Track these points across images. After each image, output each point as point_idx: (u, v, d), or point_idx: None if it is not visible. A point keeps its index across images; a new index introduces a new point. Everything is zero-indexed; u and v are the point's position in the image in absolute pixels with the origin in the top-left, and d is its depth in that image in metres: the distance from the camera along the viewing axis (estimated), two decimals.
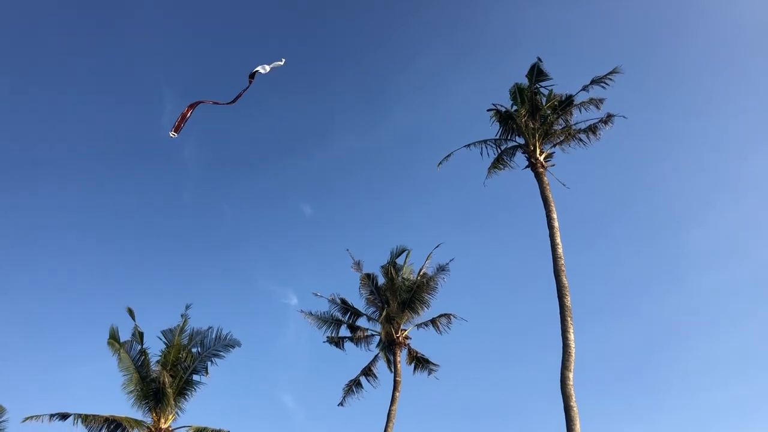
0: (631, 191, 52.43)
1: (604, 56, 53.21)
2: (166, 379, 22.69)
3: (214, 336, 24.19)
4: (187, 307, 24.56)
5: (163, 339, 24.13)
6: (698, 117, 52.68)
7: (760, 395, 39.02)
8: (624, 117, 23.83)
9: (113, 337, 23.15)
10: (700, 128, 52.11)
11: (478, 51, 59.87)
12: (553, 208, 22.27)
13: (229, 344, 24.30)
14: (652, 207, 52.45)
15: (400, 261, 28.32)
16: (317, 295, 28.21)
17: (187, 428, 23.24)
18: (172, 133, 10.26)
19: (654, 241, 50.39)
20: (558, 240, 21.61)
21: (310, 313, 27.81)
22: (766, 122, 48.55)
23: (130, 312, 23.54)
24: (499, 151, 24.46)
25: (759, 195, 47.68)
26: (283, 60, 12.36)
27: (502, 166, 24.32)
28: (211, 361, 24.10)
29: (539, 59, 23.43)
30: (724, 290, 46.07)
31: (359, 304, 28.21)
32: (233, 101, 11.07)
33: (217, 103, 11.21)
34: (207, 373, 23.96)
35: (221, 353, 24.21)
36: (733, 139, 50.68)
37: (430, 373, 27.14)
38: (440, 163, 24.47)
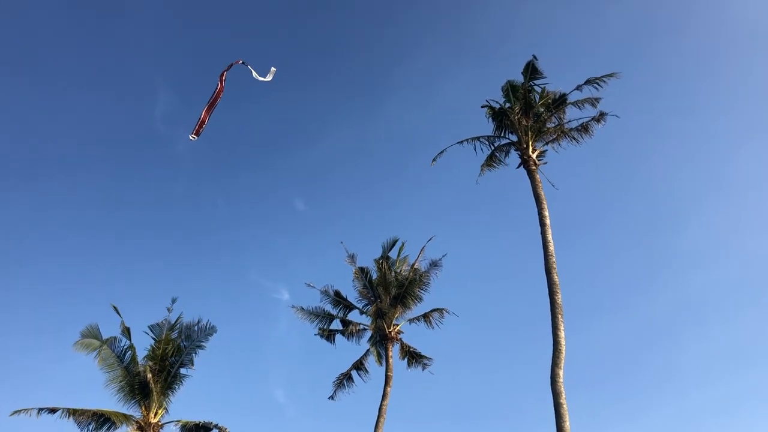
0: (622, 189, 52.61)
1: (596, 54, 53.25)
2: (150, 374, 22.64)
3: (197, 329, 24.18)
4: (173, 301, 24.48)
5: (151, 334, 24.05)
6: (689, 115, 52.89)
7: (751, 393, 39.33)
8: (617, 116, 23.83)
9: (91, 335, 22.90)
10: (690, 126, 52.33)
11: (472, 48, 59.83)
12: (545, 206, 22.29)
13: (209, 332, 24.32)
14: (644, 205, 52.68)
15: (393, 254, 28.30)
16: (310, 285, 28.12)
17: (176, 422, 23.18)
18: (192, 136, 9.84)
19: (645, 239, 50.62)
20: (549, 237, 21.64)
21: (302, 308, 27.76)
22: (756, 121, 48.78)
23: (116, 309, 23.41)
24: (492, 147, 24.50)
25: (749, 194, 47.94)
26: (274, 70, 12.06)
27: (495, 164, 24.35)
28: (195, 353, 24.09)
29: (534, 57, 23.41)
30: (714, 288, 46.36)
31: (352, 297, 28.22)
32: (267, 77, 10.85)
33: (249, 68, 10.82)
34: (192, 365, 23.94)
35: (203, 343, 24.22)
36: (724, 137, 50.92)
37: (424, 368, 27.14)
38: (434, 159, 24.41)
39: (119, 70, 55.89)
